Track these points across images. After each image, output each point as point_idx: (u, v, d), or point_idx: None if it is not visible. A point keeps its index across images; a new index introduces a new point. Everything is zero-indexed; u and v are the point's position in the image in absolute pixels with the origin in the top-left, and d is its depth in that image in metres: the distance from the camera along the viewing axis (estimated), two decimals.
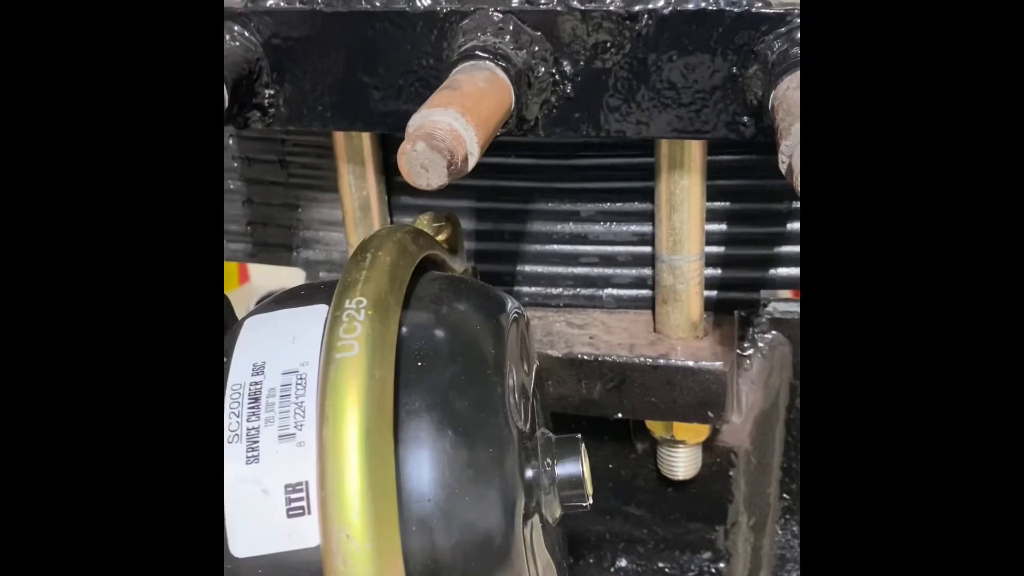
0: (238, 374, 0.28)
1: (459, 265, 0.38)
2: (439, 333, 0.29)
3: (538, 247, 0.48)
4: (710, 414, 0.45)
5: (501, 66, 0.35)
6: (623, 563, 0.56)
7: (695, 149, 0.41)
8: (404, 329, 0.28)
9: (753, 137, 0.38)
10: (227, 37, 0.39)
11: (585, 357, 0.45)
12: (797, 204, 0.45)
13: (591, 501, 0.32)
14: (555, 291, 0.49)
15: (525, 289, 0.50)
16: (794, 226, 0.46)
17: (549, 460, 0.32)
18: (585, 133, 0.39)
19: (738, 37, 0.36)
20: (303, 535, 0.25)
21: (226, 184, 0.50)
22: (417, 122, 0.30)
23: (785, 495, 0.55)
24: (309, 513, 0.25)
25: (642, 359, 0.44)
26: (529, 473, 0.30)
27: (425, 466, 0.27)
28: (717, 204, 0.46)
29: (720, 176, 0.45)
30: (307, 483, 0.25)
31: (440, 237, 0.38)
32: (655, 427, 0.48)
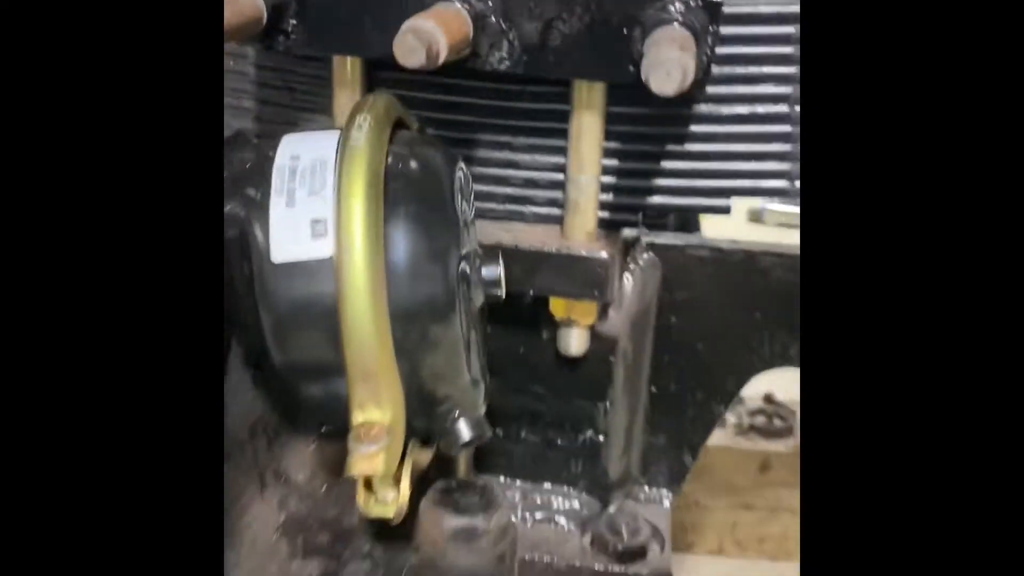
0: (281, 160, 0.42)
1: None
2: (415, 155, 0.44)
3: (479, 169, 0.64)
4: (596, 293, 0.60)
5: (465, 7, 0.51)
6: (526, 435, 0.70)
7: (597, 92, 0.58)
8: (391, 148, 0.43)
9: (635, 81, 0.54)
10: None
11: (508, 246, 0.61)
12: (670, 146, 0.62)
13: (503, 297, 0.47)
14: (489, 205, 0.65)
15: None
16: (665, 164, 0.62)
17: (478, 261, 0.47)
18: (521, 71, 0.55)
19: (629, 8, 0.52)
20: (321, 249, 0.40)
21: (240, 102, 0.65)
22: (408, 24, 0.46)
23: (653, 387, 0.70)
24: (326, 236, 0.40)
25: (549, 248, 0.60)
26: (464, 264, 0.45)
27: (400, 233, 0.41)
28: (609, 144, 0.62)
29: (613, 122, 0.61)
30: (326, 219, 0.40)
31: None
32: (556, 309, 0.63)
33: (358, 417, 0.38)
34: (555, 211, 0.64)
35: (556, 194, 0.63)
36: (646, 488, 0.73)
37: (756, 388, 1.82)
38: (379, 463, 0.37)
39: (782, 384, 1.84)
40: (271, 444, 0.48)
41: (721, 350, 0.68)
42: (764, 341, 0.67)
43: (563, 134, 0.61)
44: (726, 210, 0.62)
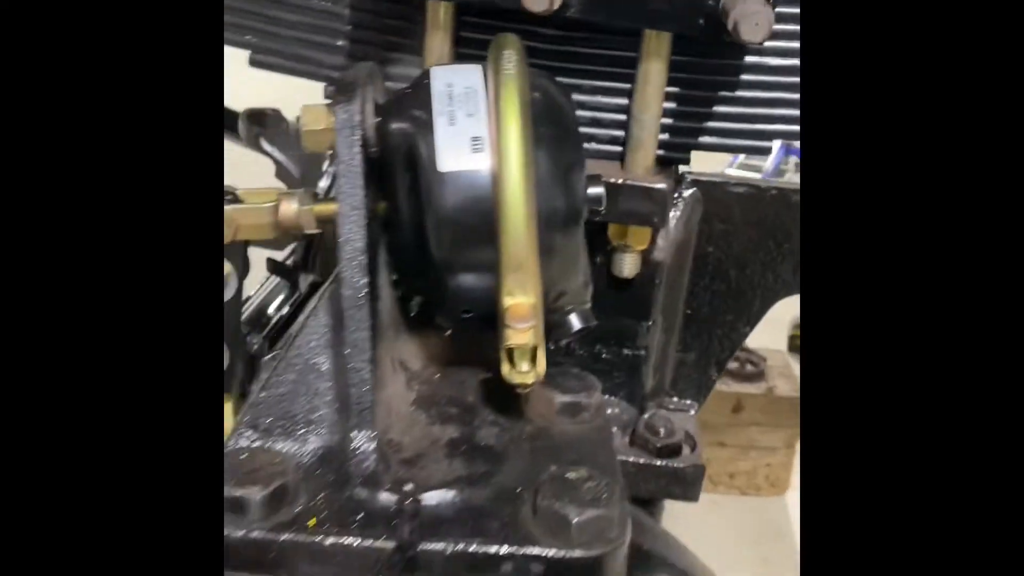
0: (437, 87, 0.50)
1: None
2: (546, 87, 0.52)
3: None
4: (656, 220, 0.69)
5: None
6: (577, 348, 0.79)
7: (665, 41, 0.66)
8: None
9: (702, 33, 0.62)
10: None
11: None
12: (721, 92, 0.70)
13: (602, 213, 0.56)
14: None
15: None
16: (719, 108, 0.71)
17: (585, 182, 0.55)
18: (597, 19, 0.62)
19: None
20: (481, 162, 0.48)
21: (335, 41, 0.72)
22: None
23: (688, 310, 0.80)
24: (483, 151, 0.48)
25: (615, 180, 0.69)
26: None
27: (542, 151, 0.49)
28: (670, 89, 0.70)
29: (673, 69, 0.70)
30: (483, 137, 0.48)
31: None
32: (614, 235, 0.72)
33: (507, 302, 0.47)
34: (615, 148, 0.72)
35: (618, 132, 0.72)
36: (675, 399, 0.82)
37: None
38: (531, 336, 0.46)
39: (754, 334, 1.97)
40: (397, 333, 0.56)
41: (750, 277, 0.77)
42: (789, 269, 0.77)
43: (627, 78, 0.69)
44: (768, 150, 0.71)
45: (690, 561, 0.67)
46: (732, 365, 2.14)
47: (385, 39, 0.72)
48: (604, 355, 0.79)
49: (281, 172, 1.17)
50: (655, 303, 0.76)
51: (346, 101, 0.47)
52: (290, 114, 1.13)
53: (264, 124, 1.18)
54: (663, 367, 0.80)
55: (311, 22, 0.72)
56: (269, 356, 0.58)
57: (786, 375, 1.82)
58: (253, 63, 0.74)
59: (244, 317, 1.17)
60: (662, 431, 0.77)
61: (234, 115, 1.13)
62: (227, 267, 0.66)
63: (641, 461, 0.75)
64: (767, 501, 1.78)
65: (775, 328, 2.75)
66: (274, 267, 1.06)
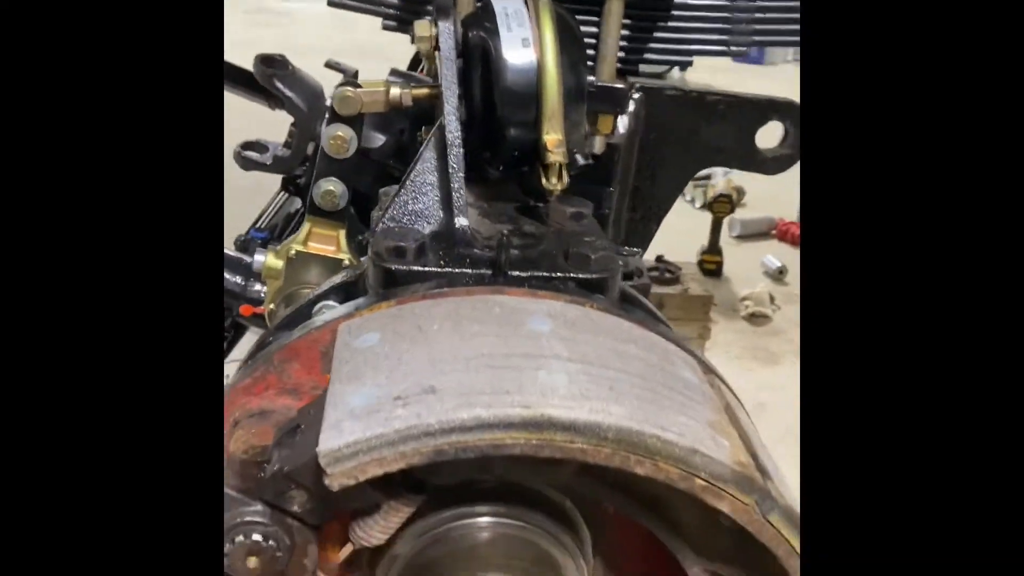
0: (497, 8, 0.81)
1: None
2: (560, 9, 0.84)
3: None
4: (616, 110, 1.02)
5: None
6: None
7: None
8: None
9: None
10: None
11: None
12: (662, 23, 1.03)
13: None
14: None
15: None
16: (658, 35, 1.04)
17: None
18: None
19: None
20: (528, 55, 0.79)
21: None
22: None
23: (637, 186, 1.13)
24: (530, 47, 0.79)
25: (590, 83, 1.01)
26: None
27: (564, 48, 0.81)
28: (625, 21, 1.03)
29: (629, 7, 1.02)
30: (529, 38, 0.80)
31: None
32: (588, 123, 1.05)
33: (546, 135, 0.79)
34: (590, 63, 1.05)
35: (591, 52, 1.04)
36: (627, 248, 1.16)
37: (650, 253, 2.30)
38: (560, 155, 0.78)
39: (670, 247, 2.34)
40: None
41: (676, 155, 1.11)
42: (700, 150, 1.11)
43: (598, 13, 1.02)
44: (689, 63, 1.05)
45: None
46: (653, 274, 2.51)
47: None
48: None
49: (291, 107, 1.46)
50: (615, 175, 1.10)
51: (445, 17, 0.79)
52: None
53: (275, 66, 1.46)
54: (619, 223, 1.14)
55: None
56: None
57: (697, 280, 2.20)
58: (331, 4, 1.04)
59: (271, 221, 1.47)
60: (622, 263, 1.10)
61: (236, 69, 1.39)
62: (349, 132, 0.96)
63: None
64: None
65: (688, 249, 3.17)
66: (286, 184, 1.35)
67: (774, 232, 3.88)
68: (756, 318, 2.84)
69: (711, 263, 3.20)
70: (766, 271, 3.37)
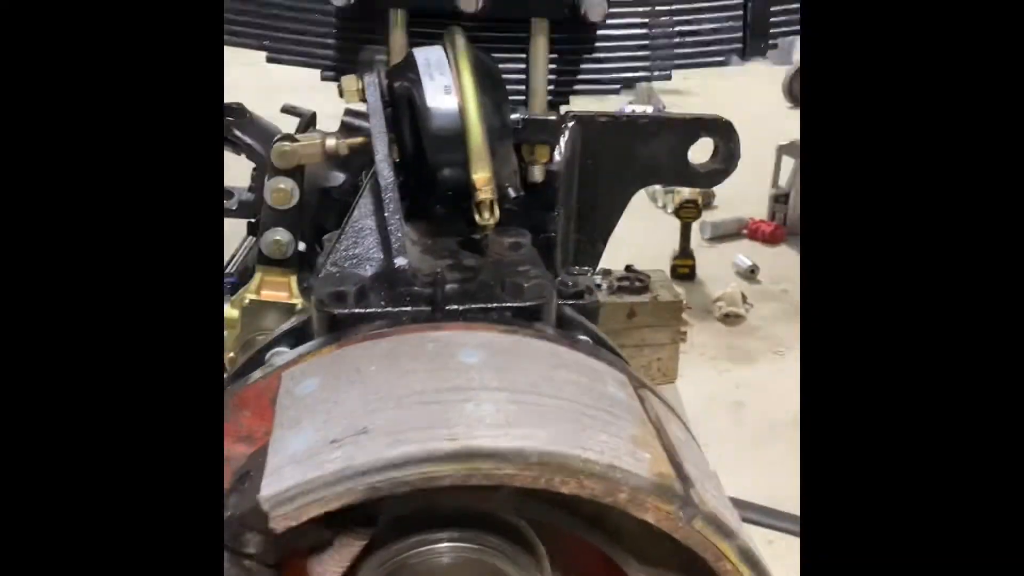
0: (419, 59, 0.86)
1: None
2: (481, 54, 0.89)
3: None
4: (551, 140, 1.07)
5: None
6: None
7: (544, 24, 1.03)
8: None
9: (566, 17, 1.00)
10: None
11: None
12: (586, 55, 1.08)
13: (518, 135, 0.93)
14: None
15: None
16: (583, 66, 1.09)
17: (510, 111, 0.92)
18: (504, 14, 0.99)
19: None
20: (451, 100, 0.84)
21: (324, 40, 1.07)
22: None
23: (579, 204, 1.17)
24: (451, 94, 0.84)
25: (523, 117, 1.06)
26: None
27: (484, 92, 0.86)
28: (551, 55, 1.08)
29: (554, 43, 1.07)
30: (451, 85, 0.84)
31: None
32: (526, 153, 1.09)
33: (475, 174, 0.83)
34: (522, 97, 1.09)
35: (521, 87, 1.09)
36: (576, 268, 1.21)
37: (621, 262, 2.35)
38: (489, 193, 0.83)
39: (639, 257, 2.39)
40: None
41: (614, 179, 1.16)
42: (636, 172, 1.15)
43: (524, 50, 1.07)
44: (617, 91, 1.10)
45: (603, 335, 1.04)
46: (624, 283, 2.56)
47: (362, 37, 1.08)
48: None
49: (250, 153, 1.50)
50: (558, 200, 1.14)
51: (370, 71, 0.83)
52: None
53: (233, 115, 1.50)
54: (567, 244, 1.18)
55: (312, 29, 1.07)
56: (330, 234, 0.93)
57: (666, 287, 2.25)
58: (270, 60, 1.09)
59: (241, 265, 1.50)
60: (571, 284, 1.15)
61: None
62: (290, 183, 1.00)
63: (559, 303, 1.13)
64: (661, 389, 2.21)
65: (664, 255, 3.22)
66: (252, 229, 1.40)
67: (745, 232, 3.94)
68: (730, 318, 2.90)
69: (684, 267, 3.26)
70: (738, 271, 3.43)
